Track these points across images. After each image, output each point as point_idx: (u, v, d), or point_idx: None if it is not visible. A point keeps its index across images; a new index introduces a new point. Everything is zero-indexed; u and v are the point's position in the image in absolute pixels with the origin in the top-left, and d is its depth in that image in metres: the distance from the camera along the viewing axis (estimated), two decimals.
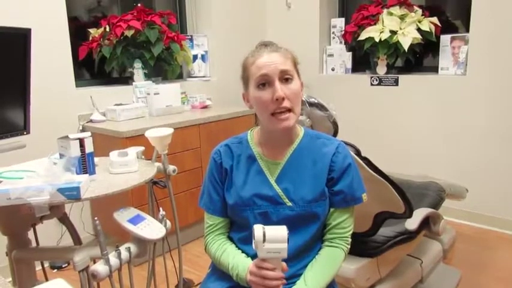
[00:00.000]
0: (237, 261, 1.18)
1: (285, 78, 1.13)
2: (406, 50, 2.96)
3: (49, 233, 2.43)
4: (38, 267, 1.66)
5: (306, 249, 1.21)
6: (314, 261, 1.20)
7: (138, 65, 2.96)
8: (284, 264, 1.08)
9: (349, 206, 1.22)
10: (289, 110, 1.13)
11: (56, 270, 2.50)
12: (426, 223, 1.94)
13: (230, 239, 1.29)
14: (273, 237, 1.01)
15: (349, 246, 1.23)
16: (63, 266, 2.53)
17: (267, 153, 1.24)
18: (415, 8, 3.13)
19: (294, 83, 1.14)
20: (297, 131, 1.25)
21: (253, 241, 1.02)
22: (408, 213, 1.62)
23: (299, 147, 1.23)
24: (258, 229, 1.01)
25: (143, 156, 1.70)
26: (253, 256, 1.15)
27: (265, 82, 1.13)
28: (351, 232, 1.24)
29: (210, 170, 1.28)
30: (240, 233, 1.25)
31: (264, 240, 1.01)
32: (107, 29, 2.90)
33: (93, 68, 3.01)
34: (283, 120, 1.13)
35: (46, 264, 1.84)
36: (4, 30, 1.37)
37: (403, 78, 3.16)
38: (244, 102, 1.24)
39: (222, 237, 1.27)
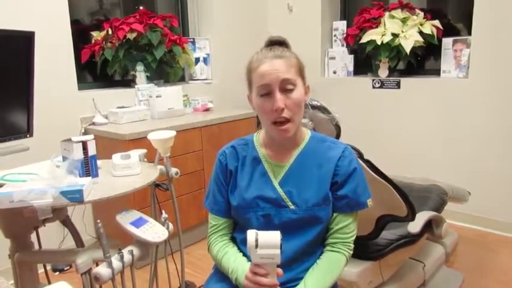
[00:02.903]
0: (237, 264, 1.18)
1: (286, 86, 1.11)
2: (408, 53, 2.96)
3: (51, 236, 2.43)
4: (40, 270, 1.66)
5: (306, 252, 1.21)
6: (315, 265, 1.20)
7: (140, 67, 2.97)
8: (279, 270, 1.07)
9: (353, 211, 1.21)
10: (289, 120, 1.13)
11: (57, 272, 2.50)
12: (429, 226, 1.94)
13: (234, 239, 1.29)
14: (265, 243, 1.00)
15: (351, 252, 1.22)
16: (65, 268, 2.53)
17: (272, 155, 1.24)
18: (417, 11, 3.13)
19: (295, 92, 1.13)
20: (302, 134, 1.25)
21: (247, 246, 1.01)
22: (411, 217, 1.62)
23: (305, 151, 1.23)
24: (250, 234, 1.01)
25: (145, 159, 1.70)
26: None
27: (266, 91, 1.12)
28: (353, 237, 1.23)
29: (215, 170, 1.28)
30: (242, 234, 1.24)
31: (257, 246, 1.00)
32: (110, 32, 2.90)
33: (95, 71, 3.02)
34: (282, 130, 1.14)
35: (48, 267, 1.84)
36: (8, 33, 1.38)
37: (404, 81, 3.16)
38: (249, 103, 1.23)
39: (224, 239, 1.28)
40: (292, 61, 1.14)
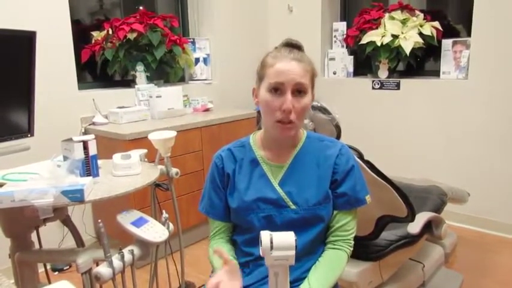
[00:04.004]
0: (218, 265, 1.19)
1: (298, 90, 1.12)
2: (407, 54, 2.96)
3: (51, 235, 2.43)
4: (40, 270, 1.66)
5: (309, 252, 1.21)
6: (318, 263, 1.20)
7: (140, 67, 2.97)
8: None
9: (353, 208, 1.22)
10: (293, 122, 1.13)
11: (57, 272, 2.50)
12: (428, 227, 1.94)
13: (234, 241, 1.29)
14: (280, 244, 1.00)
15: (352, 249, 1.23)
16: (65, 268, 2.53)
17: (270, 156, 1.24)
18: (417, 12, 3.14)
19: (306, 97, 1.14)
20: (299, 134, 1.26)
21: (260, 248, 1.01)
22: (410, 217, 1.62)
23: (302, 150, 1.24)
24: (265, 236, 1.00)
25: (146, 159, 1.70)
26: (258, 258, 1.15)
27: (278, 89, 1.12)
28: (354, 234, 1.24)
29: (211, 174, 1.28)
30: (244, 236, 1.25)
31: (272, 248, 1.00)
32: (110, 32, 2.91)
33: (95, 71, 3.02)
34: (285, 130, 1.14)
35: (48, 267, 1.84)
36: (9, 33, 1.38)
37: (404, 82, 3.16)
38: (253, 97, 1.23)
39: (219, 241, 1.28)
40: (309, 67, 1.16)
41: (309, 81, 1.15)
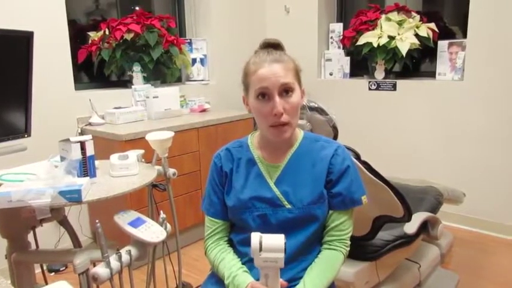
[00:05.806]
0: (233, 280, 1.17)
1: (285, 91, 1.13)
2: (404, 55, 2.98)
3: (47, 236, 2.42)
4: (37, 270, 1.65)
5: (304, 251, 1.21)
6: (313, 264, 1.21)
7: (137, 68, 2.97)
8: (283, 282, 1.08)
9: (348, 208, 1.23)
10: (287, 124, 1.14)
11: (53, 273, 2.49)
12: (424, 227, 1.95)
13: (230, 240, 1.30)
14: (269, 246, 1.00)
15: (348, 249, 1.23)
16: (61, 269, 2.52)
17: (267, 156, 1.25)
18: (413, 13, 3.16)
19: (294, 95, 1.14)
20: (296, 135, 1.26)
21: (250, 249, 1.02)
22: (407, 217, 1.63)
23: (298, 150, 1.24)
24: (254, 238, 1.01)
25: (143, 160, 1.70)
26: (252, 259, 1.15)
27: (264, 94, 1.13)
28: (349, 234, 1.24)
29: (211, 173, 1.30)
30: (239, 235, 1.25)
31: (261, 249, 1.00)
32: (107, 32, 2.90)
33: (92, 71, 3.01)
34: (280, 132, 1.15)
35: (44, 267, 1.83)
36: (7, 33, 1.38)
37: (400, 83, 3.18)
38: (244, 105, 1.24)
39: (221, 243, 1.28)
40: (290, 65, 1.16)
41: (293, 78, 1.14)
